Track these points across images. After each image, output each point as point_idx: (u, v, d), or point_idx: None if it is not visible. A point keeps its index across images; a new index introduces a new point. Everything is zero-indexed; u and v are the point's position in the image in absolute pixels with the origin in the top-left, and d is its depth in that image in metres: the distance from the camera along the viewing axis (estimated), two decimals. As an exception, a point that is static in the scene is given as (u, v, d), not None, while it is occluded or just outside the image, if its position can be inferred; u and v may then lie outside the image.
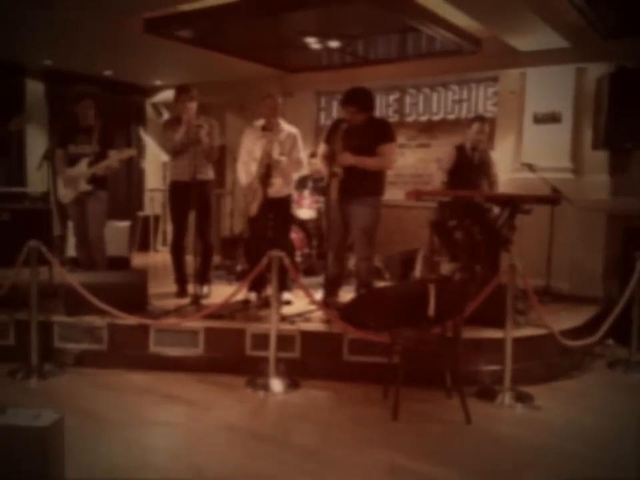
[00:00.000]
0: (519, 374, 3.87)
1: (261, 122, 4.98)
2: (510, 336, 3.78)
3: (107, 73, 8.10)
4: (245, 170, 4.98)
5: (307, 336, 4.21)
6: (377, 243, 4.76)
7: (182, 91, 5.04)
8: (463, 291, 3.66)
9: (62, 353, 4.26)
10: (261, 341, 4.07)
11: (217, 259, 6.60)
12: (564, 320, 4.79)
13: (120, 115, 8.60)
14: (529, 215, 5.23)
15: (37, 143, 7.75)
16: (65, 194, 5.24)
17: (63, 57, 7.24)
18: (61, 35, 6.03)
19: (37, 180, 6.97)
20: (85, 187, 5.12)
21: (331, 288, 4.78)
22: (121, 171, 8.05)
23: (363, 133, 4.57)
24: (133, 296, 4.55)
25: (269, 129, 4.90)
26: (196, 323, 4.24)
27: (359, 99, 4.59)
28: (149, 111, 9.27)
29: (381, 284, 5.71)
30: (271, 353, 3.90)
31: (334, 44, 6.24)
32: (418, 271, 6.26)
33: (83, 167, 5.10)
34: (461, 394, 3.47)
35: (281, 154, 4.83)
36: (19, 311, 4.28)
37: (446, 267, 5.61)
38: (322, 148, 4.83)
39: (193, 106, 5.00)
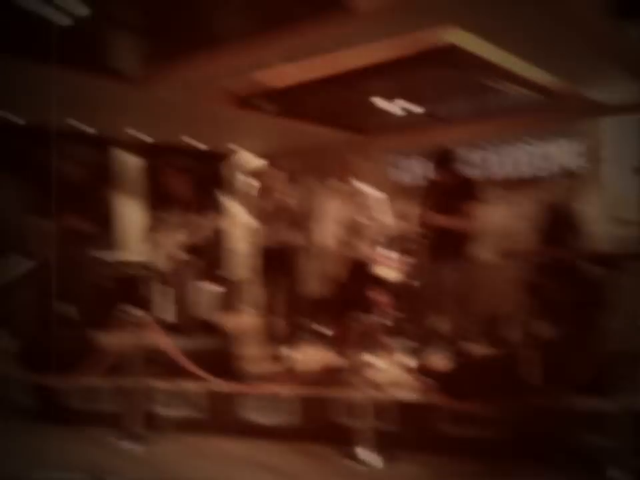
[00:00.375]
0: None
1: (342, 185, 5.07)
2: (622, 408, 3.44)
3: (197, 143, 8.56)
4: (327, 232, 5.08)
5: (402, 406, 4.03)
6: (469, 304, 4.65)
7: (271, 163, 5.27)
8: (568, 356, 3.48)
9: (160, 419, 4.36)
10: (355, 409, 3.97)
11: (303, 320, 6.69)
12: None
13: (209, 182, 8.97)
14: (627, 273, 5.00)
15: (133, 210, 8.14)
16: (162, 261, 5.51)
17: (155, 131, 7.73)
18: (155, 112, 6.40)
19: (136, 247, 7.49)
20: (179, 254, 5.38)
21: (423, 350, 4.70)
22: (211, 236, 8.34)
23: (451, 193, 4.57)
24: (227, 361, 4.65)
25: (351, 192, 4.98)
26: (288, 390, 4.26)
27: (446, 160, 4.62)
28: (236, 177, 9.65)
29: (475, 348, 5.58)
30: (365, 423, 3.81)
31: (412, 106, 6.33)
32: (514, 335, 6.06)
33: (178, 236, 5.37)
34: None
35: (363, 217, 4.90)
36: (120, 375, 4.40)
37: (544, 330, 5.42)
38: (407, 208, 4.87)
39: (278, 175, 5.19)
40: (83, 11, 3.71)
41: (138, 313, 4.23)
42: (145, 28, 4.33)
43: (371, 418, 3.81)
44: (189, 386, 4.41)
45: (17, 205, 6.64)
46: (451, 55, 4.54)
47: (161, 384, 4.47)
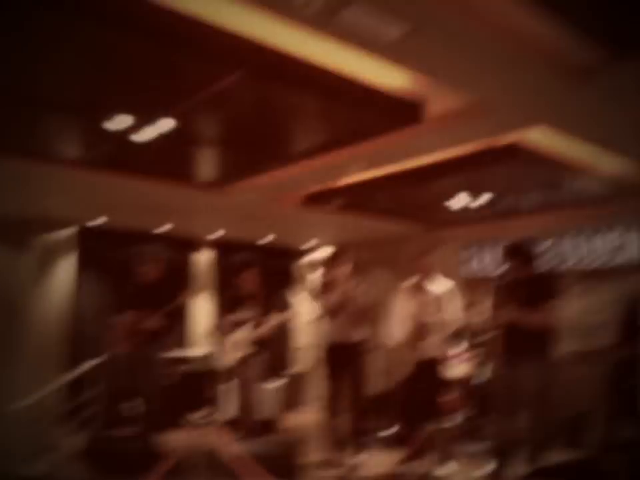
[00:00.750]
0: None
1: (414, 279, 5.03)
2: None
3: (265, 240, 8.77)
4: (399, 329, 4.99)
5: None
6: (551, 403, 4.42)
7: (334, 258, 5.34)
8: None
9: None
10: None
11: (367, 422, 6.46)
12: None
13: (276, 277, 9.08)
14: None
15: (203, 306, 8.34)
16: (228, 358, 5.49)
17: (229, 230, 8.01)
18: (230, 214, 6.72)
19: (204, 344, 7.59)
20: (247, 350, 5.38)
21: (505, 458, 4.45)
22: (277, 332, 8.36)
23: (527, 287, 4.46)
24: (287, 465, 4.51)
25: (423, 287, 4.92)
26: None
27: (521, 254, 4.55)
28: (301, 271, 9.76)
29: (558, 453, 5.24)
30: None
31: (480, 201, 6.34)
32: (597, 436, 5.64)
33: (245, 332, 5.39)
34: None
35: (433, 312, 4.82)
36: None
37: (628, 431, 5.01)
38: (480, 302, 4.77)
39: (345, 270, 5.22)
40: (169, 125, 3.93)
41: (203, 413, 4.14)
42: (225, 140, 4.53)
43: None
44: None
45: (96, 303, 6.96)
46: (522, 152, 4.52)
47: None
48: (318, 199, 6.05)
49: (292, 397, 8.85)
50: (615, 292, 5.61)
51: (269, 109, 3.82)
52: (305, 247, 9.38)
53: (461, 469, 4.62)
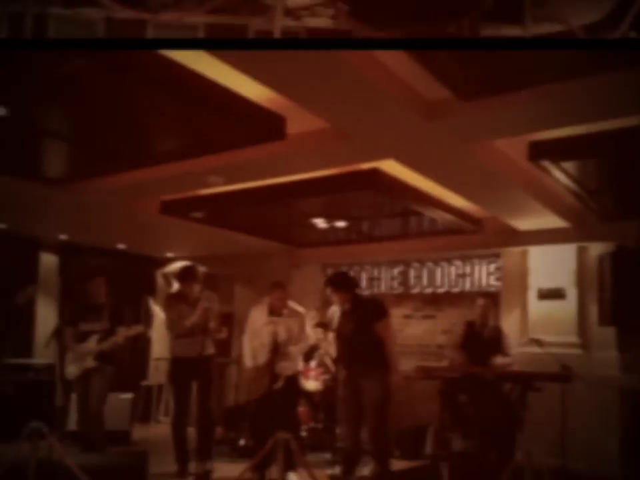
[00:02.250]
0: None
1: (267, 301, 5.08)
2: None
3: (120, 246, 8.39)
4: (251, 352, 5.06)
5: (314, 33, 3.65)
6: (387, 416, 4.66)
7: (186, 274, 5.26)
8: (479, 473, 3.46)
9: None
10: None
11: (219, 431, 6.40)
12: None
13: (130, 286, 8.74)
14: (541, 392, 5.11)
15: (47, 314, 7.84)
16: (71, 370, 5.24)
17: (78, 233, 7.55)
18: (78, 215, 6.33)
19: (43, 350, 6.92)
20: (91, 363, 5.14)
21: (349, 465, 4.63)
22: (127, 343, 8.04)
23: (355, 315, 4.69)
24: (136, 476, 4.32)
25: (277, 313, 5.02)
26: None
27: (341, 284, 4.82)
28: (159, 281, 9.45)
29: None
30: None
31: (340, 224, 6.52)
32: (429, 447, 6.00)
33: (91, 344, 5.16)
34: None
35: (288, 337, 4.95)
36: None
37: (458, 443, 5.38)
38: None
39: (197, 287, 5.18)
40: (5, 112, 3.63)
41: (38, 423, 3.84)
42: (76, 135, 4.29)
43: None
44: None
45: None
46: (377, 179, 4.73)
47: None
48: (176, 208, 5.91)
49: (144, 409, 8.55)
50: (458, 314, 5.99)
51: (124, 105, 3.66)
52: (163, 255, 9.09)
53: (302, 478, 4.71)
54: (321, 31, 3.71)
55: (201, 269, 5.39)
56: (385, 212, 6.12)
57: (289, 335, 4.97)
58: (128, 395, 7.03)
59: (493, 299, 5.81)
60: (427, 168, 4.51)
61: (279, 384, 4.85)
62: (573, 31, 3.44)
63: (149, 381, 8.99)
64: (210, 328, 5.04)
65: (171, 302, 5.32)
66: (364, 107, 3.40)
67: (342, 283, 4.86)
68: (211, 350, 5.20)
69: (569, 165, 4.33)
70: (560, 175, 4.48)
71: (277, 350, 4.83)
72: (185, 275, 5.26)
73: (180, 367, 5.16)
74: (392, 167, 4.58)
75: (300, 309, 5.19)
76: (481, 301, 5.68)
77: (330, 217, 6.30)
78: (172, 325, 5.17)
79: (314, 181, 4.85)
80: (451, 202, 5.67)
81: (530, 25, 3.47)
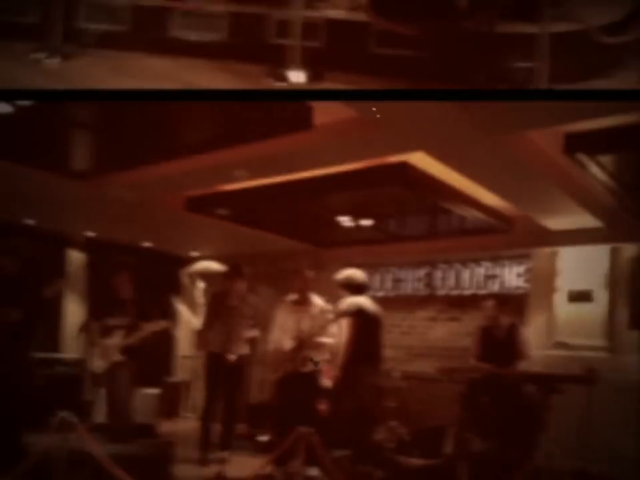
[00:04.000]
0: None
1: (293, 296, 5.07)
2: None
3: (146, 244, 8.43)
4: (277, 342, 5.05)
5: (332, 24, 3.86)
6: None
7: (233, 271, 5.47)
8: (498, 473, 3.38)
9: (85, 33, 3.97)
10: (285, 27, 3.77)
11: (242, 428, 6.49)
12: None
13: (156, 283, 8.81)
14: (565, 394, 4.94)
15: (74, 309, 7.95)
16: (98, 364, 5.35)
17: (105, 229, 7.62)
18: (105, 211, 6.37)
19: (71, 345, 7.38)
20: (117, 357, 5.25)
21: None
22: (153, 339, 8.14)
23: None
24: (158, 468, 4.50)
25: (302, 303, 4.96)
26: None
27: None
28: (184, 280, 9.47)
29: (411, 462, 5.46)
30: (294, 41, 3.66)
31: (366, 222, 6.45)
32: (448, 447, 5.90)
33: (117, 339, 5.26)
34: None
35: (313, 328, 4.92)
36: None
37: (477, 444, 5.28)
38: None
39: (243, 285, 5.35)
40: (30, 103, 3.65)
41: (67, 414, 3.98)
42: (101, 127, 4.32)
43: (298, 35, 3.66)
44: None
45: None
46: (407, 174, 4.64)
47: None
48: (201, 205, 5.88)
49: (170, 404, 8.64)
50: (479, 318, 5.91)
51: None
52: (189, 254, 9.09)
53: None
54: (339, 21, 3.83)
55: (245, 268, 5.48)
56: (413, 209, 6.04)
57: (313, 324, 4.95)
58: (154, 390, 7.17)
59: (501, 300, 5.80)
60: (458, 161, 4.40)
61: (308, 367, 4.88)
62: (590, 30, 3.39)
63: (175, 378, 9.10)
64: (240, 323, 5.21)
65: (216, 299, 5.50)
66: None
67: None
68: (244, 350, 5.36)
69: (606, 159, 4.21)
70: (596, 170, 4.36)
71: (302, 337, 4.86)
72: (231, 273, 5.45)
73: (214, 363, 5.31)
74: (422, 161, 4.48)
75: (326, 305, 5.13)
76: (488, 304, 5.69)
77: (356, 215, 6.24)
78: (203, 317, 5.40)
79: (340, 175, 4.77)
80: (481, 199, 5.53)
81: (546, 23, 3.41)
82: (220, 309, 5.33)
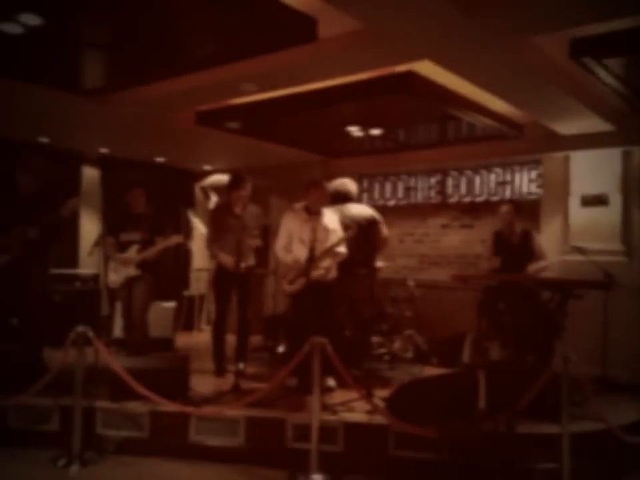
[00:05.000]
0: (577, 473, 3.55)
1: (301, 204, 5.06)
2: (567, 431, 3.49)
3: (159, 159, 8.49)
4: (286, 250, 5.02)
5: (350, 428, 4.02)
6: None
7: (236, 182, 5.35)
8: (515, 380, 3.50)
9: (103, 439, 4.23)
10: (303, 432, 3.92)
11: (258, 339, 6.68)
12: (623, 412, 4.47)
13: (170, 198, 8.92)
14: (582, 300, 5.07)
15: (90, 226, 8.14)
16: (114, 279, 5.40)
17: (118, 146, 7.68)
18: (117, 127, 6.41)
19: (88, 261, 7.41)
20: (133, 271, 5.29)
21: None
22: (169, 253, 8.28)
23: None
24: (175, 381, 4.56)
25: (315, 212, 4.98)
26: (237, 412, 4.15)
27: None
28: (198, 194, 9.59)
29: (428, 370, 5.60)
30: (313, 445, 3.71)
31: (376, 131, 6.42)
32: (466, 356, 6.09)
33: (132, 254, 5.30)
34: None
35: (326, 238, 4.89)
36: (63, 394, 4.25)
37: (495, 352, 5.46)
38: None
39: (245, 195, 5.31)
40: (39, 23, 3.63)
41: (84, 328, 4.06)
42: (111, 46, 4.28)
43: (317, 439, 3.71)
44: (134, 406, 4.27)
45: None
46: (414, 82, 4.60)
47: (105, 404, 4.33)
48: (211, 118, 5.89)
49: (187, 318, 8.90)
50: (495, 224, 5.96)
51: (157, 11, 3.61)
52: (201, 168, 9.17)
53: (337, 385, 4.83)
54: (357, 424, 3.96)
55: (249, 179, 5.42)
56: (422, 118, 5.97)
57: (326, 234, 4.91)
58: (171, 304, 7.23)
59: (517, 205, 5.73)
60: (464, 68, 4.31)
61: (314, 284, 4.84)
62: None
63: (190, 291, 9.32)
64: (251, 238, 5.22)
65: (219, 210, 5.51)
66: (397, 3, 3.26)
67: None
68: (251, 261, 5.42)
69: (613, 62, 4.11)
70: (603, 74, 4.26)
71: (317, 248, 4.79)
72: (234, 184, 5.35)
73: (223, 276, 5.36)
74: (428, 69, 4.42)
75: (335, 216, 5.14)
76: (504, 208, 5.64)
77: (365, 125, 6.20)
78: (215, 229, 5.35)
79: (348, 86, 4.73)
80: (490, 106, 5.46)
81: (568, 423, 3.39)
82: (223, 219, 5.31)
